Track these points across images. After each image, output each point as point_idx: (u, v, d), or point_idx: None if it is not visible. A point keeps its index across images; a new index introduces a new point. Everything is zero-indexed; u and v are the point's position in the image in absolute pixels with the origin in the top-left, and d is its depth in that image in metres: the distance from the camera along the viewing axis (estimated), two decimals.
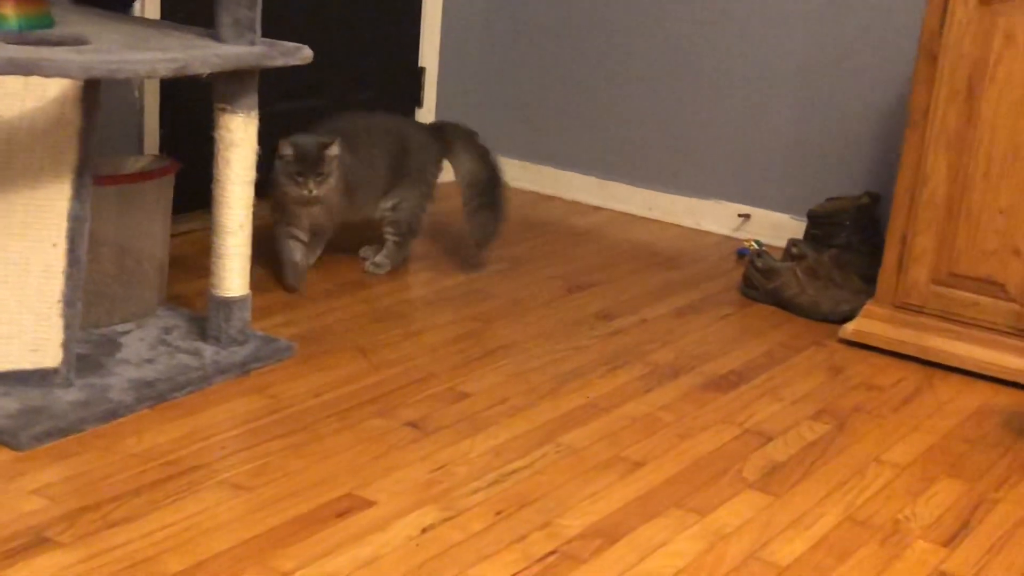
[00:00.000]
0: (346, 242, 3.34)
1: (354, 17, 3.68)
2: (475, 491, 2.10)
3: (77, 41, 2.25)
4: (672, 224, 3.80)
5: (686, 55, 3.73)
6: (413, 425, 2.33)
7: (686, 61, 3.74)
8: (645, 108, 3.83)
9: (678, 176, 3.81)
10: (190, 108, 3.15)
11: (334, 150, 2.93)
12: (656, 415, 2.46)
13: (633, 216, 3.86)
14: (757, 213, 3.68)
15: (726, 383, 2.65)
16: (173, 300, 2.75)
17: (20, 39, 2.21)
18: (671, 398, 2.55)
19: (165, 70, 2.18)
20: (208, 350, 2.49)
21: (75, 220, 2.27)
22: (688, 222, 3.79)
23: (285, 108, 3.39)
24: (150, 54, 2.19)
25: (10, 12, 2.29)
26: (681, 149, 3.79)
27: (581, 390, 2.55)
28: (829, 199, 3.43)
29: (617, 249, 3.54)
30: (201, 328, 2.57)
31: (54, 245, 2.25)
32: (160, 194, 2.62)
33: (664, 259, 3.48)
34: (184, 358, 2.45)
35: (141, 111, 3.09)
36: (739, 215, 3.70)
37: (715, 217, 3.75)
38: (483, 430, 2.33)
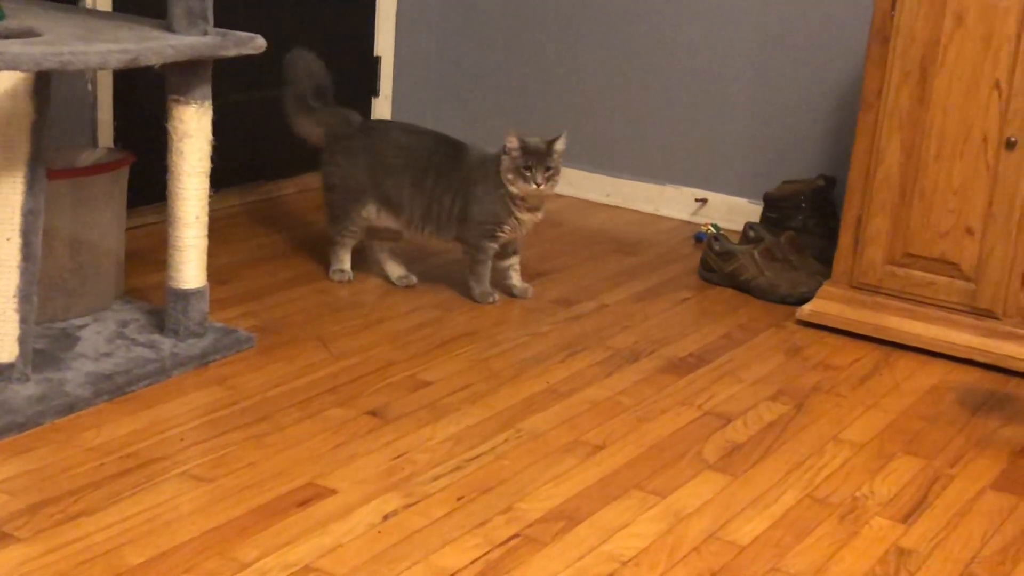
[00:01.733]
0: (300, 233, 3.34)
1: (308, 6, 3.67)
2: (436, 477, 2.10)
3: (28, 34, 2.23)
4: (630, 210, 3.82)
5: (641, 41, 3.74)
6: (374, 413, 2.33)
7: (641, 47, 3.75)
8: (601, 94, 3.84)
9: (635, 162, 3.82)
10: (144, 100, 3.13)
11: (561, 144, 2.88)
12: (616, 399, 2.47)
13: (591, 202, 3.87)
14: (714, 197, 3.70)
15: (685, 366, 2.66)
16: (130, 293, 2.74)
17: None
18: (631, 382, 2.56)
19: (117, 62, 2.17)
20: (166, 343, 2.48)
21: (28, 214, 2.24)
22: (646, 207, 3.80)
23: (239, 99, 3.37)
24: (102, 46, 2.18)
25: None
26: (638, 135, 3.81)
27: (541, 376, 2.55)
28: (785, 182, 3.45)
29: (576, 235, 3.55)
30: (159, 321, 2.56)
31: (7, 239, 2.23)
32: (114, 187, 2.60)
33: (623, 245, 3.49)
34: (142, 351, 2.43)
35: (94, 103, 3.07)
36: (696, 200, 3.72)
37: (673, 202, 3.77)
38: (444, 417, 2.33)
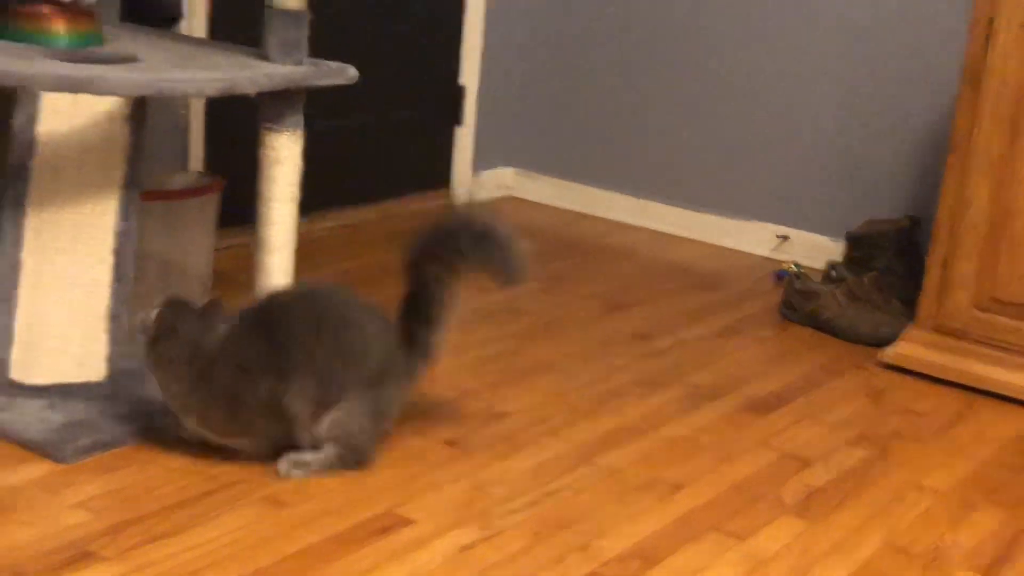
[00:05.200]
0: (382, 260, 3.37)
1: (395, 35, 3.71)
2: (513, 511, 2.10)
3: (126, 59, 2.27)
4: (710, 244, 3.80)
5: (726, 74, 3.74)
6: (451, 443, 2.34)
7: (726, 80, 3.74)
8: (684, 127, 3.83)
9: (716, 196, 3.81)
10: (235, 125, 3.18)
11: None
12: (695, 437, 2.46)
13: (670, 236, 3.86)
14: (795, 234, 3.67)
15: (765, 406, 2.64)
16: None
17: (70, 56, 2.24)
18: (710, 420, 2.55)
19: (212, 89, 2.21)
20: None
21: (122, 236, 2.29)
22: (726, 242, 3.79)
23: (326, 126, 3.41)
24: (198, 73, 2.22)
25: (61, 29, 2.32)
26: (719, 168, 3.79)
27: (619, 411, 2.55)
28: (869, 221, 3.42)
29: (654, 269, 3.55)
30: None
31: (101, 260, 2.28)
32: (204, 210, 2.64)
33: (702, 279, 3.48)
34: None
35: (187, 128, 3.12)
36: (777, 236, 3.70)
37: (753, 238, 3.75)
38: (521, 449, 2.34)
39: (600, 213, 4.01)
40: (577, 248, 3.68)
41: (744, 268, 3.62)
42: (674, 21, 3.79)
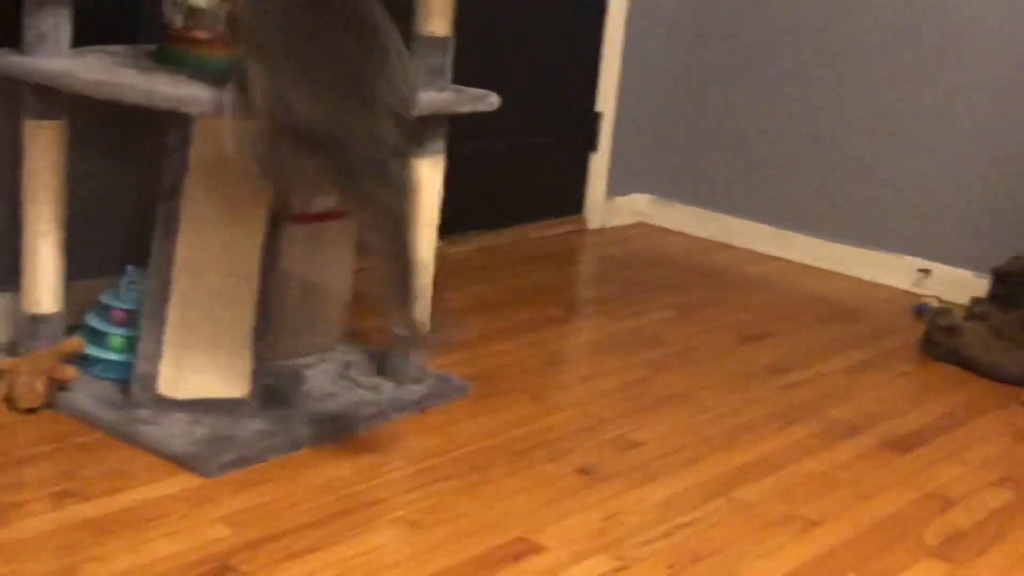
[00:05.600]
0: (514, 283, 3.39)
1: (534, 61, 3.73)
2: (647, 542, 2.09)
3: None
4: (848, 276, 3.74)
5: (867, 102, 3.68)
6: (584, 471, 2.33)
7: (867, 108, 3.68)
8: (823, 155, 3.78)
9: (856, 227, 3.74)
10: None
11: None
12: (833, 473, 2.41)
13: (808, 267, 3.81)
14: (937, 268, 3.59)
15: (905, 443, 2.58)
16: (354, 334, 2.82)
17: (223, 80, 2.30)
18: (847, 456, 2.50)
19: None
20: (387, 386, 2.54)
21: (269, 255, 2.34)
22: (865, 275, 3.72)
23: (462, 150, 3.45)
24: None
25: (216, 53, 2.39)
26: (860, 199, 3.73)
27: (755, 444, 2.52)
28: (1016, 257, 3.32)
29: (791, 300, 3.50)
30: (380, 364, 2.62)
31: (246, 279, 2.34)
32: (346, 232, 2.69)
33: (840, 312, 3.42)
34: (364, 393, 2.50)
35: None
36: (919, 270, 3.62)
37: (893, 270, 3.67)
38: (655, 480, 2.32)
39: (736, 242, 3.98)
40: (712, 277, 3.65)
41: (883, 302, 3.55)
42: (815, 50, 3.75)
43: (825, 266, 3.79)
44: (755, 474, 2.38)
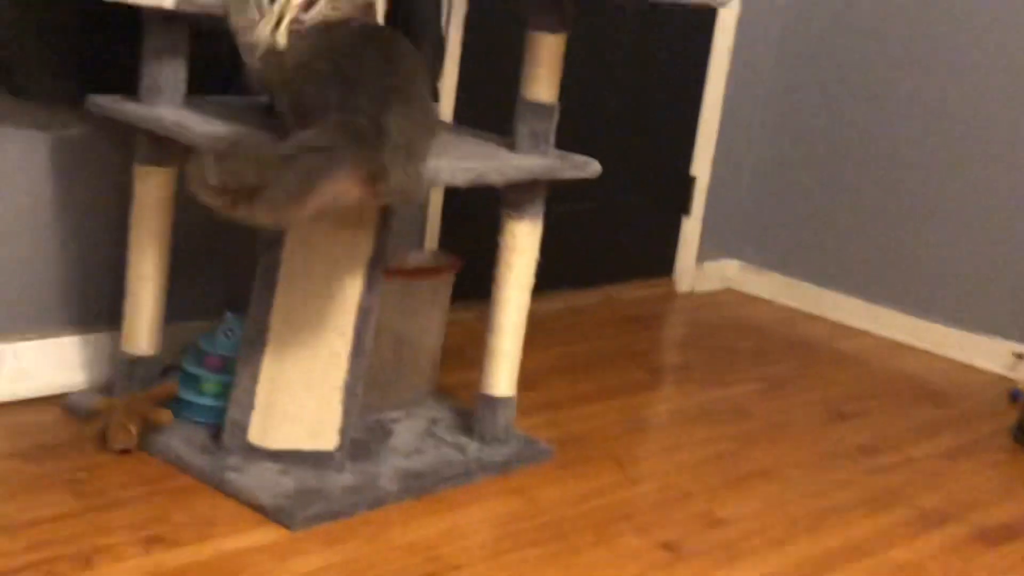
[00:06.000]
0: (602, 345, 3.38)
1: (631, 122, 3.74)
2: None
3: None
4: (941, 356, 3.67)
5: (969, 179, 3.63)
6: (668, 547, 2.31)
7: (965, 185, 3.63)
8: (919, 230, 3.73)
9: (950, 306, 3.68)
10: (470, 204, 3.25)
11: None
12: (922, 564, 2.36)
13: (900, 343, 3.75)
14: None
15: (997, 536, 2.52)
16: (441, 388, 2.82)
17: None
18: (938, 547, 2.45)
19: (463, 179, 2.26)
20: (472, 446, 2.54)
21: (364, 311, 2.36)
22: (959, 356, 3.66)
23: (556, 209, 3.45)
24: (451, 162, 2.28)
25: None
26: (955, 277, 3.67)
27: (843, 528, 2.47)
28: None
29: (882, 377, 3.45)
30: (466, 422, 2.63)
31: (341, 334, 2.35)
32: (440, 289, 2.70)
33: (932, 393, 3.36)
34: (449, 452, 2.50)
35: (425, 207, 3.21)
36: (1015, 354, 3.55)
37: (988, 353, 3.60)
38: (740, 560, 2.29)
39: (826, 314, 3.93)
40: (801, 349, 3.61)
41: (977, 385, 3.48)
42: (910, 123, 3.71)
43: (917, 344, 3.73)
44: (843, 560, 2.34)
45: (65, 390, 2.55)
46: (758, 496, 2.58)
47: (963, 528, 2.54)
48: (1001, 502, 2.70)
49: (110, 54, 2.43)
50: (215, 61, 2.55)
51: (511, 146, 2.46)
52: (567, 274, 3.70)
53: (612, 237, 3.85)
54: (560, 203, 3.48)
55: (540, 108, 2.42)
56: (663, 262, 4.02)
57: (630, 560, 2.24)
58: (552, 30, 2.39)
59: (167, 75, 2.32)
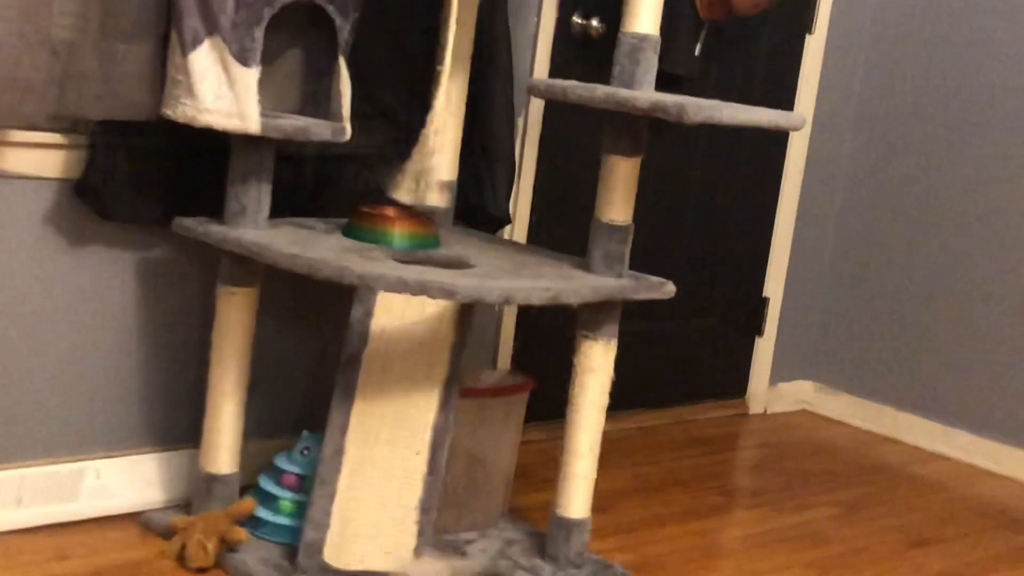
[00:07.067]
0: (675, 467, 3.36)
1: (704, 244, 3.76)
2: None
3: (460, 264, 2.40)
4: (1022, 482, 3.60)
5: None
6: None
7: None
8: (996, 351, 3.68)
9: None
10: (543, 324, 3.28)
11: None
12: None
13: (979, 469, 3.68)
14: None
15: None
16: (515, 508, 2.81)
17: (409, 258, 2.38)
18: None
19: (540, 299, 2.29)
20: (547, 569, 2.52)
21: (439, 431, 2.38)
22: None
23: (629, 329, 3.47)
24: (527, 282, 2.31)
25: (402, 231, 2.48)
26: None
27: None
28: None
29: (961, 504, 3.38)
30: (540, 545, 2.61)
31: (417, 453, 2.37)
32: (513, 409, 2.71)
33: (1013, 520, 3.29)
34: (524, 575, 2.49)
35: (499, 326, 3.24)
36: None
37: None
38: None
39: (903, 437, 3.87)
40: (878, 473, 3.56)
41: None
42: (983, 237, 3.69)
43: (996, 469, 3.66)
44: None
45: (145, 508, 2.58)
46: None
47: None
48: None
49: (197, 177, 2.51)
50: (299, 185, 2.63)
51: (586, 267, 2.48)
52: (640, 395, 3.69)
53: (685, 358, 3.84)
54: (634, 323, 3.50)
55: (615, 230, 2.45)
56: (736, 383, 4.00)
57: None
58: (627, 154, 2.43)
59: (251, 197, 2.39)
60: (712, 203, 3.76)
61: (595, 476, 2.58)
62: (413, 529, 2.35)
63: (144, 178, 2.47)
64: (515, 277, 2.35)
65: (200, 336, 2.56)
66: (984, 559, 2.99)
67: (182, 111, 2.29)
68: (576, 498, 2.54)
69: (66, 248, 2.46)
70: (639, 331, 3.56)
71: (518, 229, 3.19)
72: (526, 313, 3.29)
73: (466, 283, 2.23)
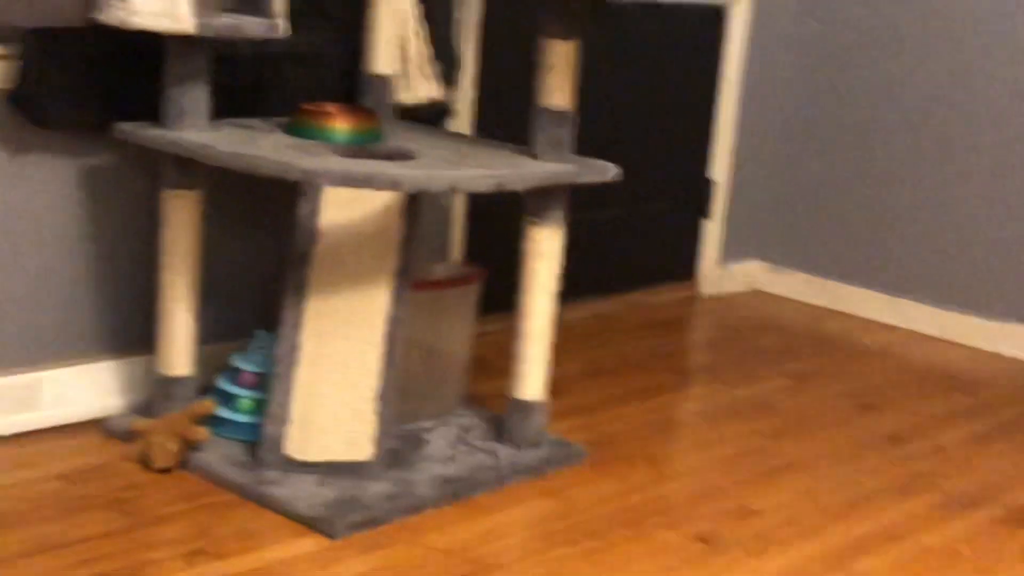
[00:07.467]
0: (629, 349, 3.42)
1: (648, 128, 3.78)
2: None
3: (404, 155, 2.41)
4: (968, 347, 3.69)
5: (988, 173, 3.65)
6: (703, 540, 2.34)
7: (986, 173, 3.65)
8: (940, 222, 3.75)
9: (975, 296, 3.70)
10: (492, 215, 3.30)
11: None
12: (953, 547, 2.39)
13: (924, 335, 3.77)
14: None
15: None
16: (472, 398, 2.86)
17: (352, 152, 2.39)
18: (967, 530, 2.47)
19: (485, 186, 2.31)
20: (505, 451, 2.58)
21: (393, 322, 2.41)
22: (983, 344, 3.67)
23: (577, 218, 3.49)
24: (472, 170, 2.33)
25: (344, 126, 2.48)
26: (977, 266, 3.69)
27: (873, 515, 2.50)
28: None
29: (908, 370, 3.47)
30: (498, 429, 2.66)
31: (373, 345, 2.40)
32: (466, 299, 2.75)
33: (957, 382, 3.38)
34: (483, 458, 2.54)
35: (449, 218, 3.26)
36: None
37: (1014, 341, 3.62)
38: (773, 549, 2.32)
39: (851, 310, 3.95)
40: (827, 345, 3.64)
41: (1004, 373, 3.50)
42: (928, 116, 3.74)
43: (942, 335, 3.75)
44: (874, 546, 2.36)
45: (105, 414, 2.61)
46: (789, 488, 2.60)
47: (994, 511, 2.56)
48: None
49: (135, 82, 2.49)
50: (238, 85, 2.61)
51: (530, 154, 2.50)
52: (593, 282, 3.74)
53: (634, 243, 3.88)
54: (584, 211, 3.53)
55: (556, 115, 2.46)
56: (687, 266, 4.06)
57: (665, 554, 2.27)
58: (565, 37, 2.43)
59: (190, 99, 2.38)
60: (654, 87, 3.77)
61: (549, 359, 2.62)
62: (372, 419, 2.40)
63: (80, 85, 2.45)
64: (460, 166, 2.37)
65: (150, 242, 2.56)
66: (929, 419, 3.08)
67: (113, 14, 2.27)
68: (531, 381, 2.59)
69: (7, 159, 2.44)
70: (589, 219, 3.60)
71: (462, 121, 3.19)
72: (476, 205, 3.31)
73: (411, 174, 2.25)
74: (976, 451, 2.89)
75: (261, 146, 2.34)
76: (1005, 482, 2.71)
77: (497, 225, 3.10)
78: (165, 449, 2.38)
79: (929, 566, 2.30)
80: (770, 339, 3.66)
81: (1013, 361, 3.59)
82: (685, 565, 2.24)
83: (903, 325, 3.83)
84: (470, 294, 2.76)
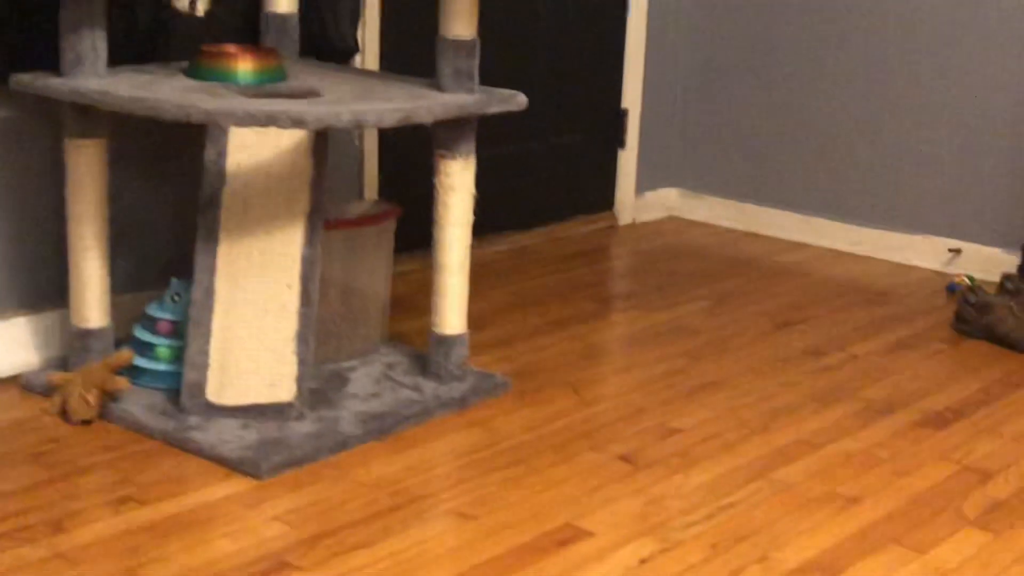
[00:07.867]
0: (549, 281, 3.44)
1: (558, 59, 3.78)
2: (690, 524, 2.13)
3: (309, 93, 2.39)
4: (879, 260, 3.76)
5: (894, 84, 3.70)
6: (626, 459, 2.38)
7: (892, 90, 3.71)
8: (849, 141, 3.81)
9: (885, 210, 3.77)
10: (406, 153, 3.29)
11: None
12: (871, 451, 2.45)
13: (838, 252, 3.84)
14: (968, 247, 3.61)
15: (941, 420, 2.61)
16: (394, 337, 2.87)
17: (256, 92, 2.36)
18: (885, 435, 2.53)
19: (392, 120, 2.30)
20: (429, 385, 2.59)
21: (307, 263, 2.40)
22: (896, 257, 3.75)
23: (491, 152, 3.50)
24: (377, 104, 2.32)
25: (246, 67, 2.45)
26: (888, 182, 3.76)
27: (792, 426, 2.55)
28: None
29: (823, 286, 3.53)
30: (422, 364, 2.68)
31: (288, 286, 2.40)
32: (382, 237, 2.74)
33: (872, 295, 3.45)
34: (407, 393, 2.55)
35: (361, 158, 3.24)
36: (949, 250, 3.64)
37: (924, 252, 3.70)
38: (695, 464, 2.36)
39: (766, 232, 4.01)
40: (744, 267, 3.69)
41: (915, 283, 3.57)
42: (837, 36, 3.78)
43: (855, 251, 3.82)
44: (794, 455, 2.42)
45: (20, 370, 2.58)
46: (709, 405, 2.65)
47: (910, 415, 2.63)
48: (944, 388, 2.79)
49: (30, 32, 2.44)
50: (134, 31, 2.57)
51: (436, 86, 2.49)
52: (510, 216, 3.75)
53: (550, 176, 3.89)
54: (498, 145, 3.53)
55: (461, 45, 2.45)
56: (603, 197, 4.08)
57: (591, 474, 2.30)
58: None
59: (87, 46, 2.34)
60: (562, 17, 3.76)
61: (468, 292, 2.63)
62: (293, 360, 2.39)
63: None
64: (365, 101, 2.35)
65: (56, 195, 2.52)
66: (845, 332, 3.14)
67: None
68: (451, 314, 2.60)
69: None
70: (504, 153, 3.60)
71: (368, 59, 3.17)
72: (388, 143, 3.30)
73: (315, 111, 2.23)
74: (892, 360, 2.96)
75: (162, 90, 2.30)
76: (920, 388, 2.78)
77: (412, 162, 3.10)
78: (84, 401, 2.36)
79: (847, 471, 2.36)
80: (688, 264, 3.70)
81: (923, 271, 3.67)
82: (610, 483, 2.27)
83: (818, 243, 3.89)
84: (386, 232, 2.75)
